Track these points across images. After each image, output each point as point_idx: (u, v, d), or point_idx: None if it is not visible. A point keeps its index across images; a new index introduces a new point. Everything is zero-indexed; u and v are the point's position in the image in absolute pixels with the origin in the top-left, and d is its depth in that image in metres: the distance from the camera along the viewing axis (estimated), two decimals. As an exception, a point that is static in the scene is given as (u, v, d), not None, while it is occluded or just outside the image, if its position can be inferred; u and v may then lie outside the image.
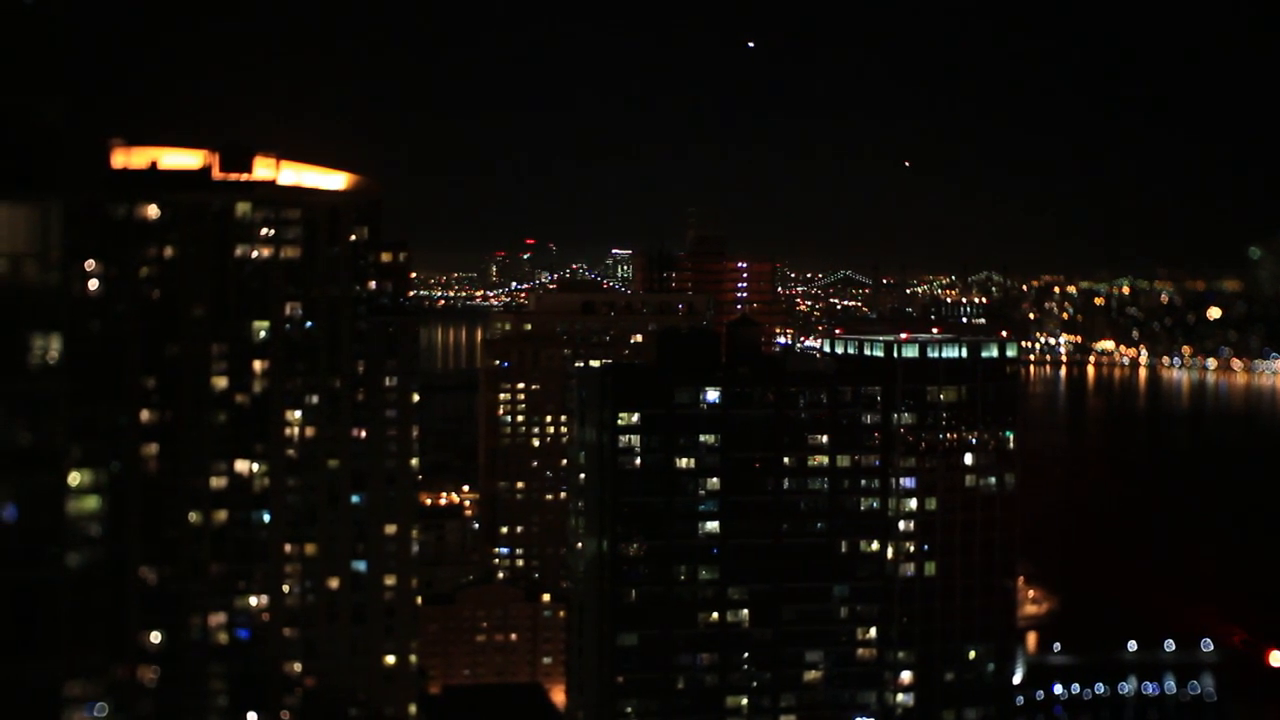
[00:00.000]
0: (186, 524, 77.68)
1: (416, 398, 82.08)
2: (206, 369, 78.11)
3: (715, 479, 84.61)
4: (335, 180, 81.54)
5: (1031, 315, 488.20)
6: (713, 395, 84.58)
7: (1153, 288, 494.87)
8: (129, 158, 78.24)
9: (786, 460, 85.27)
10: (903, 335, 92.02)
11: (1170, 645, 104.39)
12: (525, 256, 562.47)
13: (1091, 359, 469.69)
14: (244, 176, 79.56)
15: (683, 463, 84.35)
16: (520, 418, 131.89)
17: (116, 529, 75.10)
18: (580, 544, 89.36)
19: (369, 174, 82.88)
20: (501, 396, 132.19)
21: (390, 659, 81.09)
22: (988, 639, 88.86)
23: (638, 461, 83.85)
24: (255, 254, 78.89)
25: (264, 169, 79.74)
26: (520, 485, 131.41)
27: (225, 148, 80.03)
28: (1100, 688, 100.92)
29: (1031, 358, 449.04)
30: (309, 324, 79.59)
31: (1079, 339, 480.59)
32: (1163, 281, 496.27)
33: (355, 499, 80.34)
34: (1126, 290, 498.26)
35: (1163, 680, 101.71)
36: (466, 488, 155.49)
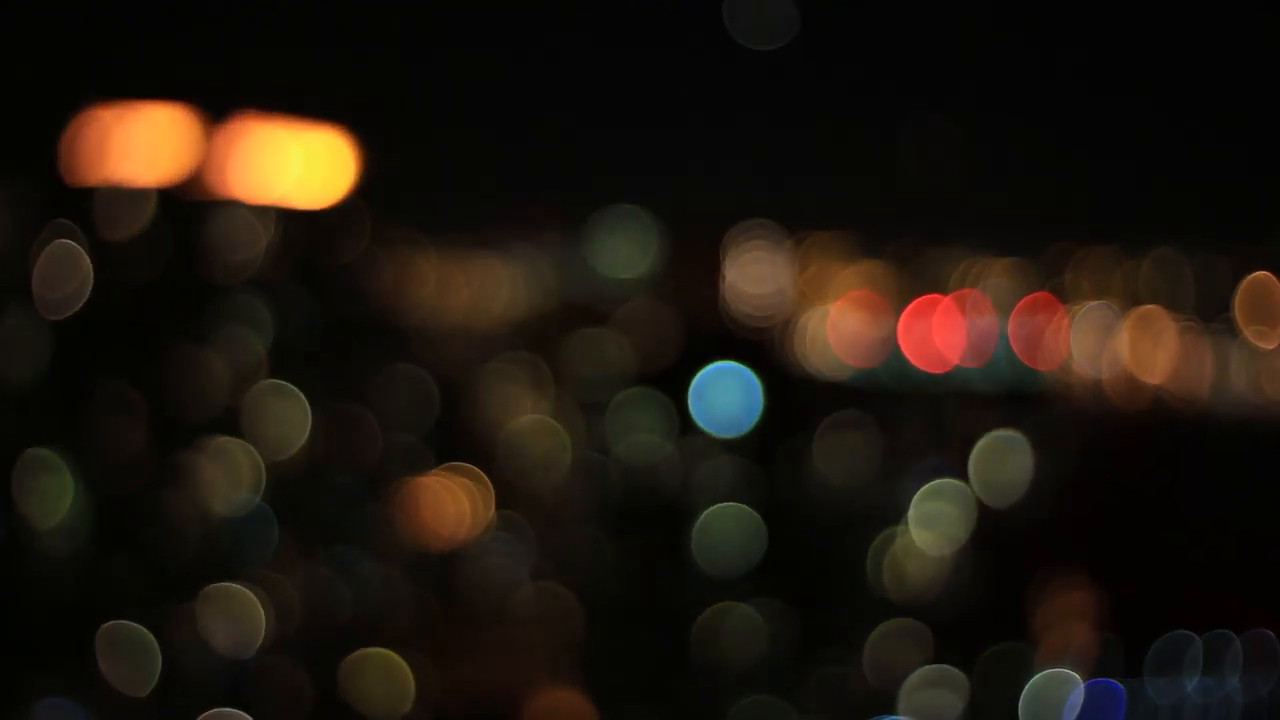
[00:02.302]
0: (176, 526, 75.33)
1: (419, 394, 80.00)
2: (197, 364, 75.57)
3: (728, 478, 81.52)
4: (342, 169, 79.02)
5: (1067, 287, 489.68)
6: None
7: (1197, 255, 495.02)
8: (110, 123, 75.46)
9: (803, 459, 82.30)
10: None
11: (1228, 642, 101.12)
12: (535, 247, 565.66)
13: (1132, 331, 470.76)
14: (233, 126, 76.73)
15: (694, 460, 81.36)
16: (527, 414, 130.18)
17: (101, 531, 72.64)
18: (587, 544, 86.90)
19: (379, 162, 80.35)
20: (508, 392, 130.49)
21: (391, 661, 78.78)
22: (1023, 640, 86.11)
23: (647, 459, 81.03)
24: (250, 244, 76.51)
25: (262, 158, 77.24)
26: (527, 484, 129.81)
27: (210, 106, 77.02)
28: (1149, 688, 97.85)
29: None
30: (308, 318, 77.05)
31: (1119, 309, 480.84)
32: (1207, 249, 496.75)
33: (357, 499, 78.10)
34: (1169, 258, 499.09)
35: (1219, 678, 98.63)
36: (471, 486, 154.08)
